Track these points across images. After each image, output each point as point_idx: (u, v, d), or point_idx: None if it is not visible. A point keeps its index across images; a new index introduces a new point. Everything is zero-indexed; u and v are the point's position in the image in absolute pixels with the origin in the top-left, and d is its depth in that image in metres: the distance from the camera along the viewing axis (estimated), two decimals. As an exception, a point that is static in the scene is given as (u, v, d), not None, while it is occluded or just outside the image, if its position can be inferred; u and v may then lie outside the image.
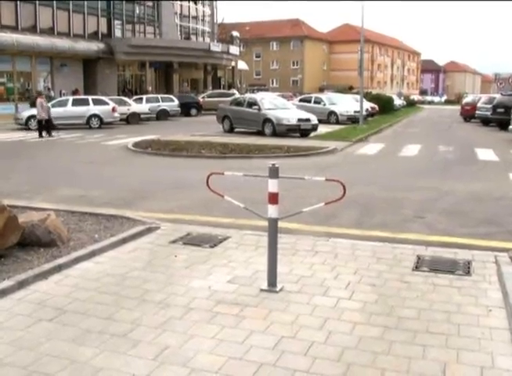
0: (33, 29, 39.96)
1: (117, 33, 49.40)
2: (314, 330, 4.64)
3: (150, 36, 53.87)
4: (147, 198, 10.55)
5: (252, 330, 4.62)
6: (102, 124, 29.67)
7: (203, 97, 46.31)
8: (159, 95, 39.58)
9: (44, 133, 24.62)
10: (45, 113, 24.69)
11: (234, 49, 61.08)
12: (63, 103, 29.66)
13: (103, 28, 47.43)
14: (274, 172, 5.42)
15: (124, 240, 7.20)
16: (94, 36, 45.88)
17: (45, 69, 40.91)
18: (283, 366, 4.04)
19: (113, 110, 30.12)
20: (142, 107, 35.15)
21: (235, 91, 51.87)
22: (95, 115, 29.55)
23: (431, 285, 5.75)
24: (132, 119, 33.14)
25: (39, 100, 25.18)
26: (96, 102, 30.18)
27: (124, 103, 33.38)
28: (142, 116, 34.17)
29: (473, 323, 4.81)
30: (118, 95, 42.75)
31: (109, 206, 9.38)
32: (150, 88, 49.33)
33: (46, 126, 24.92)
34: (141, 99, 37.63)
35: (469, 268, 6.31)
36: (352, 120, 32.30)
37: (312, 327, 4.70)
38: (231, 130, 26.08)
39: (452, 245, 7.29)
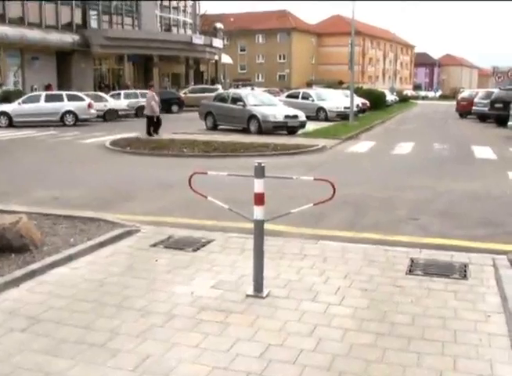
0: (1, 19, 39.57)
1: (93, 24, 49.23)
2: (303, 337, 4.66)
3: (129, 28, 53.75)
4: (126, 200, 10.52)
5: (238, 337, 4.63)
6: (78, 121, 29.48)
7: (184, 93, 46.20)
8: (138, 91, 39.42)
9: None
10: None
11: (217, 42, 61.06)
12: (35, 99, 29.44)
13: (78, 19, 47.23)
14: (260, 171, 5.43)
15: (102, 244, 7.17)
16: (68, 27, 45.65)
17: (14, 62, 40.57)
18: (270, 375, 4.04)
19: (89, 106, 29.96)
20: (120, 103, 34.95)
21: (218, 86, 51.82)
22: (69, 111, 29.34)
23: (426, 289, 5.79)
24: (110, 116, 32.98)
25: None
26: (71, 97, 29.98)
27: (100, 99, 33.21)
28: (120, 112, 33.98)
29: (470, 329, 4.84)
30: (94, 90, 42.56)
31: (86, 208, 9.34)
32: (129, 83, 49.18)
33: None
34: (119, 94, 37.44)
35: (465, 271, 6.35)
36: (342, 116, 32.37)
37: (301, 333, 4.72)
38: (214, 127, 26.05)
39: (448, 247, 7.34)
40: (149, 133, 22.87)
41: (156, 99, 23.54)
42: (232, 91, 30.76)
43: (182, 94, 45.11)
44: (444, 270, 6.39)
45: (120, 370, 4.10)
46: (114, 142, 19.84)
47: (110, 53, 49.21)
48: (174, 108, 42.14)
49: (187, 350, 4.40)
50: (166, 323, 4.90)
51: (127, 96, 37.11)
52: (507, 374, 4.11)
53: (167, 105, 40.47)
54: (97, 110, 30.99)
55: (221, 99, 26.74)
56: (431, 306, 5.34)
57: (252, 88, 45.63)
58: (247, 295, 5.54)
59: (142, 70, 54.43)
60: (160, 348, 4.43)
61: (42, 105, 28.99)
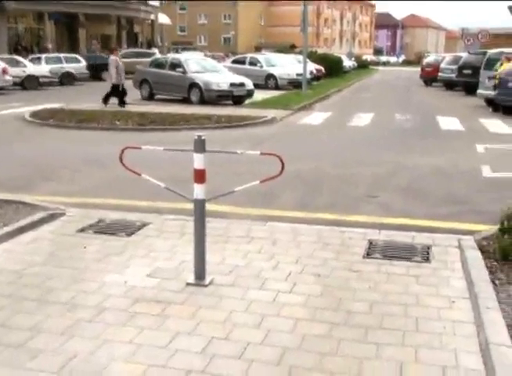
0: None
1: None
2: (249, 329, 4.68)
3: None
4: (49, 179, 10.35)
5: (177, 331, 4.63)
6: (-9, 89, 28.79)
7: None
8: (62, 55, 38.63)
9: None
10: None
11: (153, -1, 60.27)
12: None
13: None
14: (200, 145, 5.40)
15: (21, 230, 7.04)
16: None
17: None
18: (213, 372, 4.06)
19: (4, 71, 29.18)
20: (42, 69, 34.17)
21: (155, 50, 51.15)
22: (-20, 78, 28.61)
23: (385, 274, 5.90)
24: (29, 83, 32.23)
25: None
26: (-20, 62, 29.20)
27: (17, 64, 32.38)
28: (41, 80, 33.21)
29: (433, 317, 4.95)
30: (10, 53, 41.41)
31: (1, 189, 9.14)
32: (50, 46, 48.04)
33: None
34: (39, 58, 36.61)
35: (428, 254, 6.49)
36: (294, 84, 32.50)
37: (248, 325, 4.75)
38: (151, 97, 25.80)
39: (410, 228, 7.49)
40: (106, 101, 22.51)
41: (120, 64, 23.00)
42: (171, 56, 30.49)
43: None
44: (405, 253, 6.51)
45: (42, 373, 4.03)
46: (35, 114, 19.41)
47: (27, 10, 47.75)
48: (105, 75, 41.40)
49: (120, 347, 4.38)
50: (96, 318, 4.85)
51: (48, 61, 36.30)
52: (473, 364, 4.21)
53: (96, 71, 39.82)
54: (14, 77, 30.23)
55: (158, 64, 26.47)
56: (391, 292, 5.44)
57: (205, 55, 45.17)
58: (188, 284, 5.53)
59: (66, 31, 53.22)
60: (89, 346, 4.39)
61: None
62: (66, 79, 36.28)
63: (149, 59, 30.60)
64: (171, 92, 25.19)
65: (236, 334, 4.61)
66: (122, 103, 22.47)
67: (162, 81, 25.25)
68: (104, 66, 41.27)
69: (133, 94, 26.45)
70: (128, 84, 27.06)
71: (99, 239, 6.88)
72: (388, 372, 4.10)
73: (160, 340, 4.49)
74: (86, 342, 4.45)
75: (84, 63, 38.15)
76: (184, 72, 24.31)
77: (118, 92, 22.58)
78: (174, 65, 25.17)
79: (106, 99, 22.45)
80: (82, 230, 7.18)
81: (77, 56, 39.82)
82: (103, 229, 7.25)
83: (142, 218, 7.65)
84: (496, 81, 21.81)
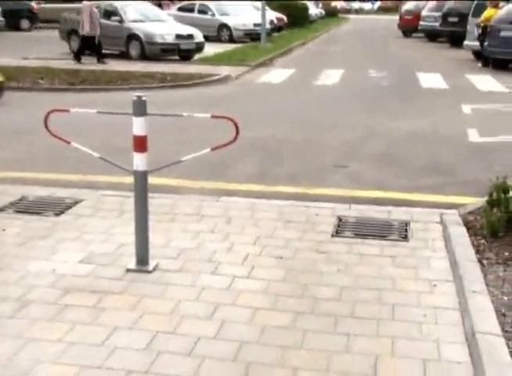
0: None
1: None
2: (201, 320, 4.69)
3: None
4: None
5: (116, 326, 4.61)
6: None
7: (38, 2, 44.67)
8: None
9: None
10: None
11: None
12: None
13: None
14: (140, 107, 5.34)
15: None
16: None
17: None
18: (159, 372, 4.06)
19: None
20: None
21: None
22: None
23: (357, 255, 5.96)
24: None
25: None
26: None
27: None
28: None
29: (412, 303, 5.02)
30: None
31: None
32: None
33: None
34: None
35: (406, 231, 6.57)
36: (251, 36, 32.42)
37: (198, 316, 4.75)
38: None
39: (385, 202, 7.57)
40: (78, 57, 22.16)
41: (95, 10, 22.60)
42: (105, 1, 30.00)
43: (34, 4, 43.49)
44: (379, 230, 6.58)
45: (-48, 380, 4.01)
46: None
47: None
48: (24, 23, 40.69)
49: (47, 346, 4.34)
50: (18, 313, 4.80)
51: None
52: (458, 356, 4.27)
53: (13, 19, 38.94)
54: None
55: (90, 12, 26.08)
56: (364, 276, 5.49)
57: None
58: (128, 270, 5.51)
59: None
60: (10, 346, 4.33)
61: None
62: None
63: (78, 5, 30.08)
64: (106, 46, 24.77)
65: (184, 327, 4.61)
66: (100, 59, 22.12)
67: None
68: (22, 13, 40.78)
69: (59, 47, 26.09)
70: (54, 36, 26.66)
71: (21, 219, 6.79)
72: (361, 366, 4.15)
73: (96, 337, 4.46)
74: (7, 342, 4.39)
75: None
76: (121, 21, 24.04)
77: (94, 45, 22.20)
78: (109, 13, 24.80)
79: (78, 55, 22.08)
80: (1, 210, 7.09)
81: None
82: (26, 207, 7.17)
83: (73, 195, 7.58)
84: (481, 30, 21.91)
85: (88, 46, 22.30)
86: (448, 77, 19.69)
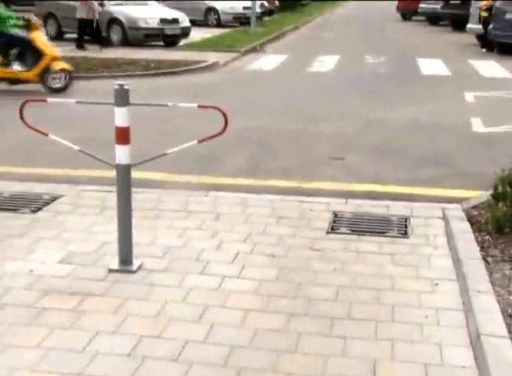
0: None
1: None
2: (188, 323, 4.68)
3: None
4: None
5: (97, 330, 4.60)
6: None
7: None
8: None
9: None
10: None
11: None
12: None
13: None
14: (122, 96, 5.32)
15: None
16: None
17: None
18: (144, 378, 4.07)
19: None
20: None
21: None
22: None
23: (354, 253, 5.96)
24: None
25: None
26: None
27: None
28: None
29: (412, 304, 5.02)
30: None
31: None
32: None
33: None
34: None
35: (406, 227, 6.58)
36: (241, 20, 32.38)
37: (186, 319, 4.74)
38: (59, 36, 25.40)
39: (383, 196, 7.58)
40: (81, 45, 21.97)
41: None
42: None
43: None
44: (377, 226, 6.59)
45: None
46: None
47: None
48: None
49: (24, 353, 4.32)
50: (-7, 316, 4.81)
51: None
52: (463, 360, 4.26)
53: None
54: None
55: (68, -6, 26.02)
56: (361, 274, 5.49)
57: None
58: (111, 270, 5.50)
59: None
60: (-14, 352, 4.34)
61: None
62: None
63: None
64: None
65: (171, 330, 4.60)
66: (102, 43, 22.06)
67: (73, 15, 24.74)
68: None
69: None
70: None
71: (-3, 217, 6.80)
72: (359, 371, 4.15)
73: (76, 342, 4.44)
74: (-19, 348, 4.39)
75: None
76: (101, 4, 23.90)
77: (92, 29, 22.15)
78: (88, -5, 24.72)
79: (80, 42, 21.93)
80: (-26, 207, 7.09)
81: None
82: (1, 204, 7.15)
83: (51, 190, 7.56)
84: (483, 13, 21.87)
85: (87, 32, 22.24)
86: (449, 62, 19.71)
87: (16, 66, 14.52)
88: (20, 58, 14.54)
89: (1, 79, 14.50)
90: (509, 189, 6.51)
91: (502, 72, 18.14)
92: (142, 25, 23.28)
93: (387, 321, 4.76)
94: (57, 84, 14.47)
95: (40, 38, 14.74)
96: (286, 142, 10.23)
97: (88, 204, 7.15)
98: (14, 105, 6.13)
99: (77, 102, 6.25)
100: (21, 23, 14.85)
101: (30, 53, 14.45)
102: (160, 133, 10.25)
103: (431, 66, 19.20)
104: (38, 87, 14.30)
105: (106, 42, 22.23)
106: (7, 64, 14.46)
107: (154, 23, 23.45)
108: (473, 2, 25.02)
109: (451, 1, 31.10)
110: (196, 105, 5.76)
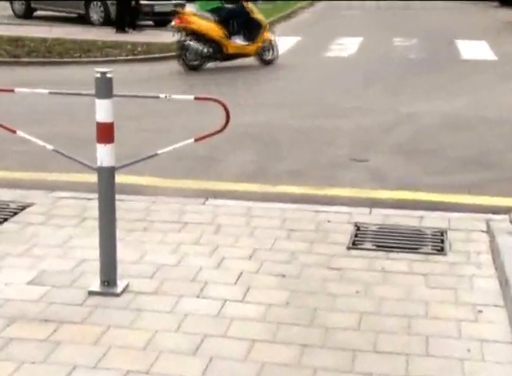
0: None
1: None
2: (183, 356, 4.67)
3: None
4: None
5: (75, 364, 4.58)
6: None
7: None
8: None
9: None
10: None
11: None
12: None
13: None
14: (104, 87, 5.33)
15: None
16: None
17: None
18: (130, 422, 4.08)
19: None
20: None
21: None
22: None
23: (380, 272, 5.95)
24: None
25: None
26: None
27: None
28: None
29: (451, 334, 4.99)
30: None
31: None
32: None
33: None
34: None
35: (443, 242, 6.57)
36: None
37: (180, 351, 4.73)
38: (29, 14, 25.49)
39: (414, 205, 7.57)
40: (121, 27, 22.13)
41: None
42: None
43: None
44: (408, 241, 6.58)
45: None
46: None
47: None
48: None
49: (-12, 390, 4.35)
50: (-50, 347, 4.82)
51: None
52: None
53: None
54: None
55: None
56: (388, 299, 5.48)
57: None
58: (90, 293, 5.50)
59: None
60: None
61: None
62: None
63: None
64: (59, 7, 24.83)
65: (162, 364, 4.58)
66: (131, 25, 22.44)
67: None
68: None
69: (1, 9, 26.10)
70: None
71: (-44, 229, 6.81)
72: (386, 415, 4.16)
73: (49, 378, 4.46)
74: None
75: None
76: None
77: (129, 9, 22.46)
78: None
79: (121, 23, 22.11)
80: None
81: None
82: (-39, 214, 7.19)
83: (20, 197, 7.58)
84: None
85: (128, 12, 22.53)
86: (496, 44, 19.69)
87: (239, 40, 16.23)
88: (238, 31, 16.23)
89: (231, 56, 16.33)
90: None
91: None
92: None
93: (421, 355, 4.72)
94: (269, 57, 16.66)
95: (255, 9, 16.57)
96: (298, 141, 10.25)
97: (63, 214, 7.16)
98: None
99: (50, 92, 6.25)
100: None
101: (249, 26, 16.20)
102: (150, 130, 10.24)
103: (474, 50, 19.18)
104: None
105: (135, 24, 22.60)
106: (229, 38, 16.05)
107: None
108: None
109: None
110: (192, 97, 5.76)
